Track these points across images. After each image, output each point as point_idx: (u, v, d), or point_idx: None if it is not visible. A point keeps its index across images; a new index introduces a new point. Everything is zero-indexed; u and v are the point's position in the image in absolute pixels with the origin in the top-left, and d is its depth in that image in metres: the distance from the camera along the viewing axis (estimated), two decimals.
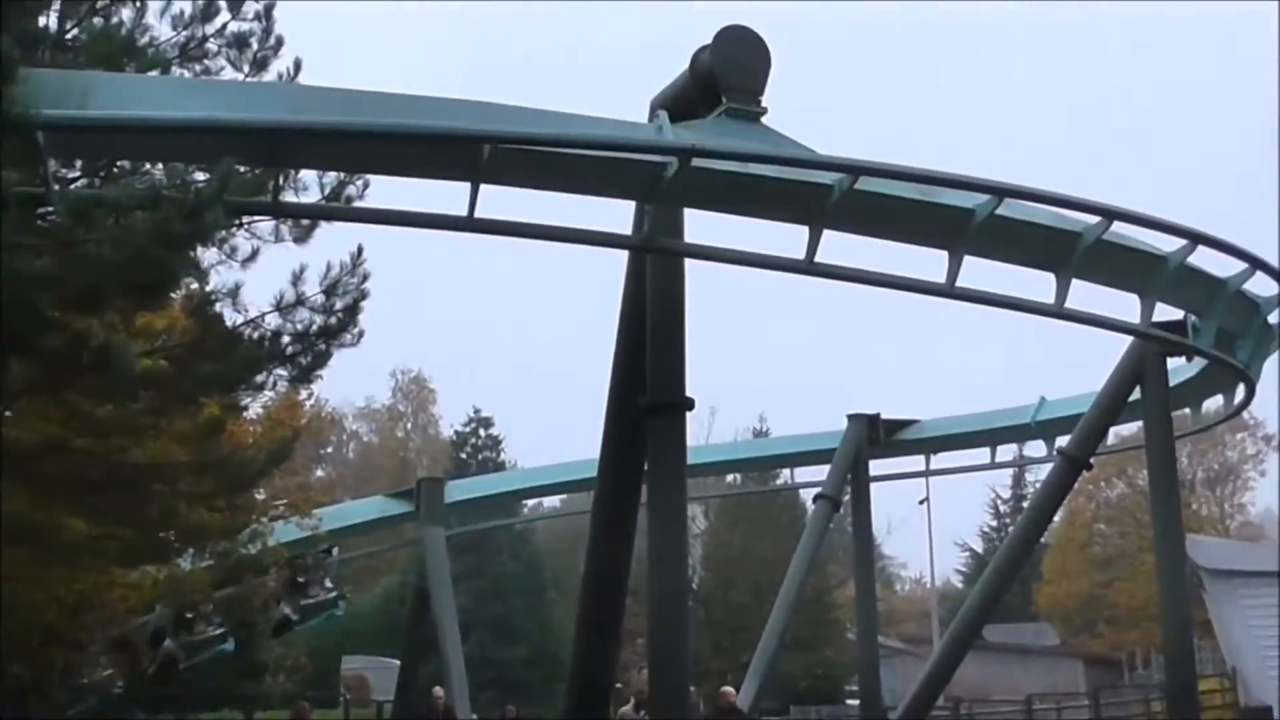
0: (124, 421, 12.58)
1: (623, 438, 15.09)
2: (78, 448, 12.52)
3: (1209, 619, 31.35)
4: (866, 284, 13.04)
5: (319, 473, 55.68)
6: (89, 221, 8.93)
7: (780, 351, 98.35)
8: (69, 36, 11.79)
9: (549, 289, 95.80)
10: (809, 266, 12.35)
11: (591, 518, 16.69)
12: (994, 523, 63.65)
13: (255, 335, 12.31)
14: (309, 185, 11.52)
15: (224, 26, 12.40)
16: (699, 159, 11.55)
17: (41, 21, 11.04)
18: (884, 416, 26.48)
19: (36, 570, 15.29)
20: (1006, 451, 28.48)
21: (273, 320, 12.25)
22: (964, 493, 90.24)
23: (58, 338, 9.85)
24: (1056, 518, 41.22)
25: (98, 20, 11.95)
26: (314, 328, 12.39)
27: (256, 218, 11.58)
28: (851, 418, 26.24)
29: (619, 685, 34.88)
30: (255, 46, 12.42)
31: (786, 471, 33.52)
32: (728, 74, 12.97)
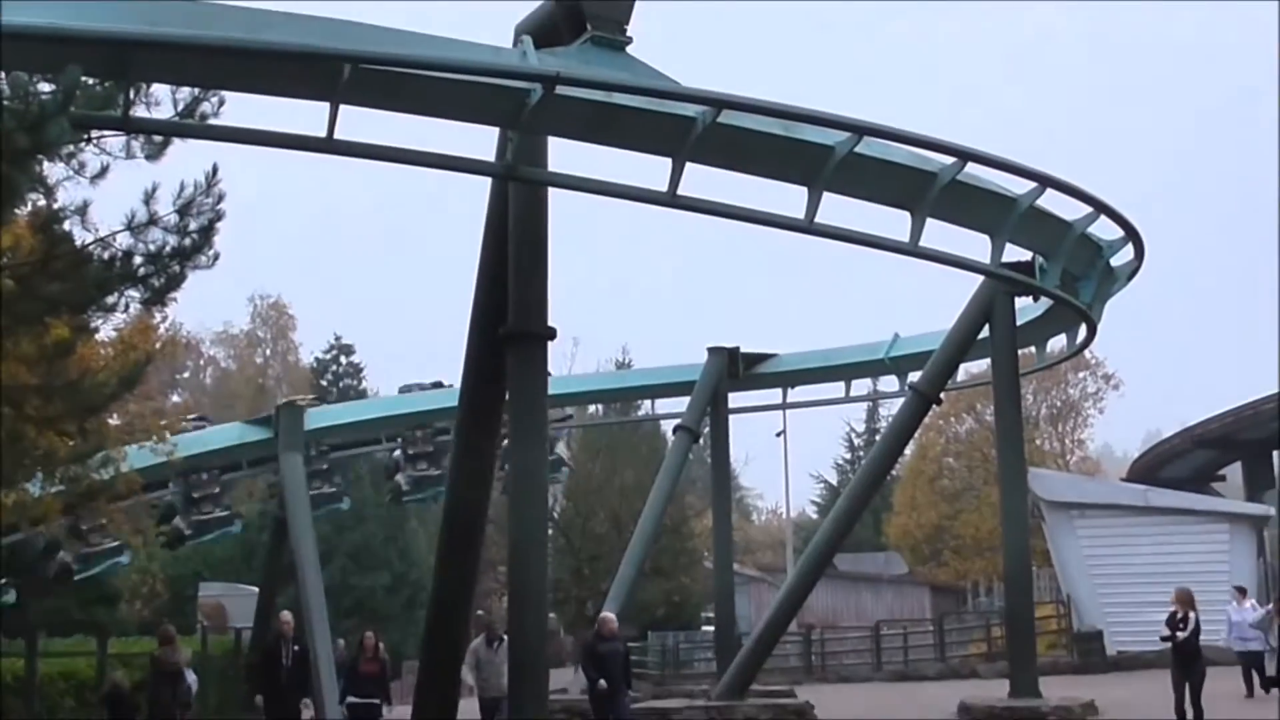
0: None
1: (483, 366, 15.09)
2: None
3: (1048, 549, 32.86)
4: (727, 218, 13.20)
5: (175, 398, 54.37)
6: None
7: (643, 284, 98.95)
8: None
9: (412, 214, 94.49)
10: (672, 199, 12.44)
11: (452, 446, 16.72)
12: (848, 455, 65.47)
13: (105, 255, 11.93)
14: (161, 100, 11.16)
15: None
16: (563, 87, 11.50)
17: None
18: (743, 350, 26.93)
19: None
20: (861, 386, 29.36)
21: (124, 240, 11.87)
22: (820, 426, 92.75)
23: None
24: (907, 451, 42.65)
25: None
26: (167, 248, 12.04)
27: (106, 132, 11.17)
28: (711, 350, 26.61)
29: (480, 612, 35.09)
30: None
31: (648, 403, 33.91)
32: (593, 1, 12.89)
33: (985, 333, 20.12)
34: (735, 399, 27.56)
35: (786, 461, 44.32)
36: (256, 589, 31.13)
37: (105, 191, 11.61)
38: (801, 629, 35.96)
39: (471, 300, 15.30)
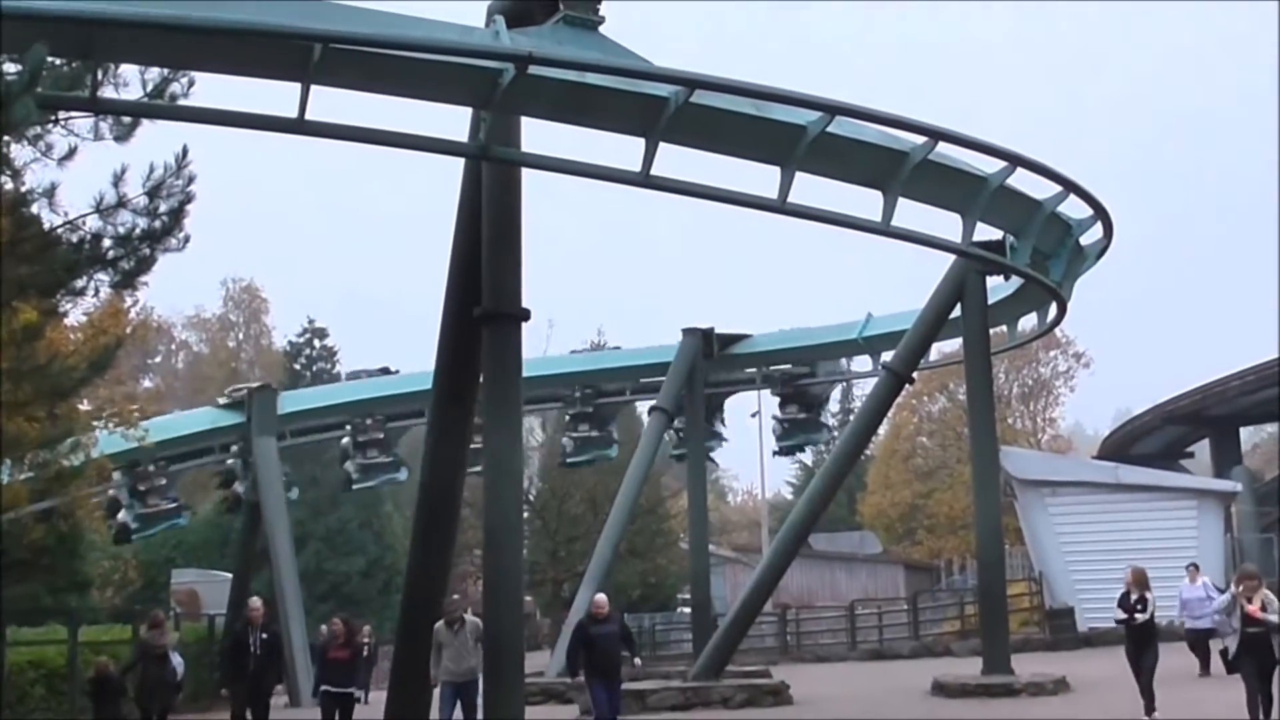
0: None
1: (458, 348, 15.04)
2: None
3: (1020, 527, 33.12)
4: (701, 198, 13.19)
5: (146, 383, 54.06)
6: None
7: (620, 265, 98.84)
8: None
9: (385, 196, 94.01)
10: (645, 179, 12.42)
11: (426, 428, 16.66)
12: None
13: (74, 238, 11.86)
14: (130, 81, 11.07)
15: None
16: (536, 66, 11.45)
17: None
18: (718, 331, 26.98)
19: None
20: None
21: (93, 222, 11.82)
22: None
23: None
24: (881, 430, 42.87)
25: None
26: (137, 231, 11.98)
27: (74, 113, 11.08)
28: (686, 331, 26.65)
29: (455, 595, 35.06)
30: None
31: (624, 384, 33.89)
32: None
33: (957, 312, 20.23)
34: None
35: (761, 442, 44.44)
36: (230, 575, 31.05)
37: (73, 173, 11.53)
38: (777, 609, 36.11)
39: (445, 282, 15.25)
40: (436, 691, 14.26)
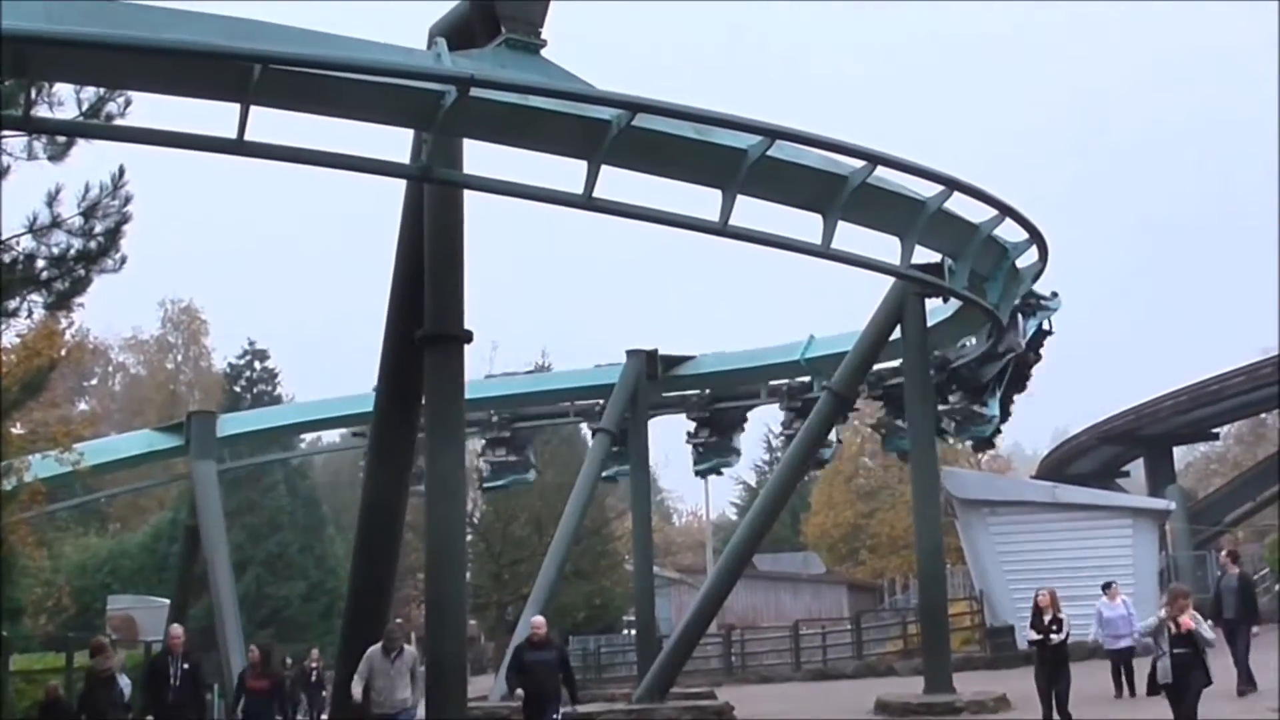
0: None
1: (400, 370, 14.97)
2: None
3: (961, 546, 33.43)
4: (643, 220, 13.23)
5: (82, 405, 53.17)
6: None
7: (564, 287, 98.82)
8: None
9: (325, 215, 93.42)
10: (587, 201, 12.44)
11: (368, 451, 16.55)
12: (766, 456, 65.84)
13: (6, 258, 11.68)
14: (65, 100, 10.95)
15: None
16: (478, 89, 11.46)
17: None
18: (661, 352, 27.02)
19: None
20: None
21: (26, 242, 11.66)
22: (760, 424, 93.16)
23: None
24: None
25: None
26: (72, 251, 11.83)
27: (6, 132, 10.94)
28: (630, 353, 26.68)
29: (399, 620, 34.71)
30: None
31: (568, 405, 33.82)
32: (507, 3, 12.86)
33: (897, 333, 20.45)
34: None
35: None
36: (168, 601, 30.56)
37: (5, 193, 11.37)
38: (721, 630, 36.16)
39: (387, 303, 15.18)
40: None
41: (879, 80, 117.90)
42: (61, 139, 11.27)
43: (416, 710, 13.45)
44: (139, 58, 10.30)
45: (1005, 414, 25.08)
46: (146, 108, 11.21)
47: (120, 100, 11.09)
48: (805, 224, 14.07)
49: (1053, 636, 15.17)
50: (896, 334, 20.66)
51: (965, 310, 19.78)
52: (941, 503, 25.50)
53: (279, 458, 43.45)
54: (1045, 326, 23.63)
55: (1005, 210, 15.50)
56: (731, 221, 13.13)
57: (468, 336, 13.94)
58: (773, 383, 28.25)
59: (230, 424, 30.12)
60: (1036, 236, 16.51)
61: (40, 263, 11.70)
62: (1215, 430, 49.51)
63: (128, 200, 11.79)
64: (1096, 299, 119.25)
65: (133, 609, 36.13)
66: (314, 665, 25.99)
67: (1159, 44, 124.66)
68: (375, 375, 15.80)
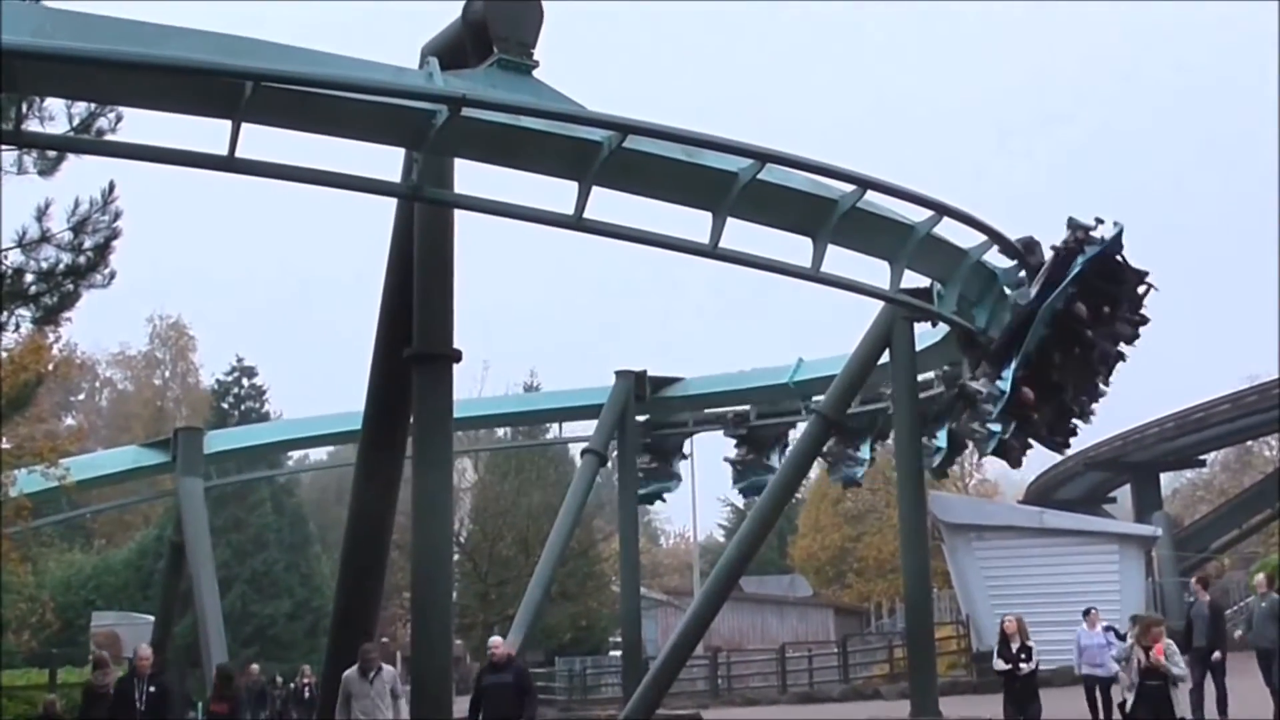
0: None
1: (388, 389, 14.94)
2: None
3: (948, 570, 33.46)
4: (634, 242, 13.24)
5: (69, 421, 52.98)
6: None
7: (554, 308, 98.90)
8: None
9: (316, 233, 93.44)
10: (578, 222, 12.44)
11: (355, 470, 16.49)
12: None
13: None
14: (56, 115, 10.96)
15: None
16: (469, 109, 11.47)
17: None
18: (650, 374, 27.04)
19: None
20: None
21: (15, 257, 11.65)
22: (726, 450, 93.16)
23: None
24: (811, 474, 43.09)
25: None
26: (61, 266, 11.83)
27: None
28: (619, 374, 26.69)
29: (385, 639, 34.55)
30: None
31: (556, 426, 33.83)
32: (499, 24, 12.88)
33: (886, 357, 20.46)
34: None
35: (694, 485, 44.50)
36: (152, 618, 30.41)
37: None
38: (708, 652, 36.08)
39: (376, 321, 15.16)
40: None
41: (872, 100, 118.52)
42: (52, 154, 11.28)
43: None
44: (130, 73, 10.29)
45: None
46: (137, 123, 11.23)
47: (111, 115, 11.09)
48: (796, 247, 14.11)
49: (1022, 666, 14.78)
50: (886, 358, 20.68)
51: (954, 335, 19.79)
52: (928, 527, 25.49)
53: (265, 475, 43.33)
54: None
55: (994, 236, 15.54)
56: (722, 244, 13.14)
57: (457, 356, 13.91)
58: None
59: (217, 441, 30.04)
60: (1025, 263, 16.55)
61: (29, 277, 11.71)
62: (1202, 457, 49.75)
63: (117, 216, 11.82)
64: None
65: (117, 625, 35.97)
66: (306, 681, 25.90)
67: (1150, 72, 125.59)
68: (363, 393, 15.76)
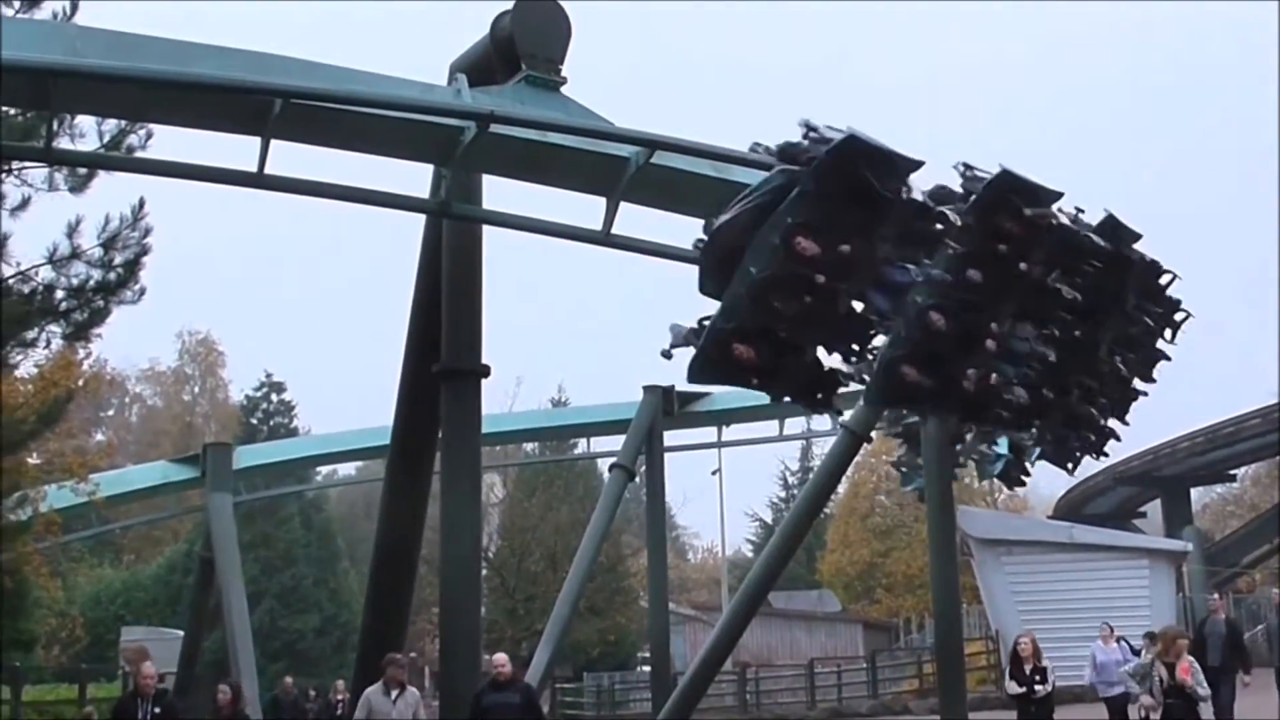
0: None
1: (417, 404, 14.96)
2: None
3: (977, 585, 33.20)
4: (662, 257, 13.15)
5: (99, 436, 53.36)
6: None
7: (583, 322, 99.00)
8: None
9: (345, 249, 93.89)
10: (606, 238, 12.41)
11: (384, 485, 16.51)
12: (783, 494, 65.65)
13: (26, 289, 11.75)
14: (87, 132, 11.03)
15: None
16: (497, 125, 11.49)
17: None
18: (678, 388, 26.96)
19: None
20: (795, 425, 29.49)
21: (46, 273, 11.74)
22: (755, 464, 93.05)
23: None
24: (840, 489, 42.94)
25: None
26: (91, 283, 11.91)
27: (27, 164, 11.01)
28: (647, 389, 26.62)
29: (413, 654, 34.54)
30: None
31: (584, 441, 33.80)
32: (527, 41, 12.90)
33: None
34: (671, 437, 27.57)
35: (722, 500, 44.43)
36: (181, 633, 30.51)
37: (26, 224, 11.43)
38: (736, 667, 35.91)
39: (405, 336, 15.19)
40: None
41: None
42: (82, 171, 11.35)
43: None
44: (160, 91, 10.36)
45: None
46: (167, 140, 11.29)
47: (141, 132, 11.16)
48: None
49: (1037, 689, 14.13)
50: None
51: None
52: (958, 542, 25.29)
53: (294, 490, 43.46)
54: None
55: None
56: None
57: (485, 371, 13.92)
58: None
59: (246, 456, 30.12)
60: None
61: (59, 293, 11.79)
62: (1232, 472, 49.32)
63: (147, 232, 11.89)
64: None
65: (146, 640, 36.13)
66: (340, 699, 25.93)
67: (1190, 93, 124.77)
68: (392, 408, 15.79)
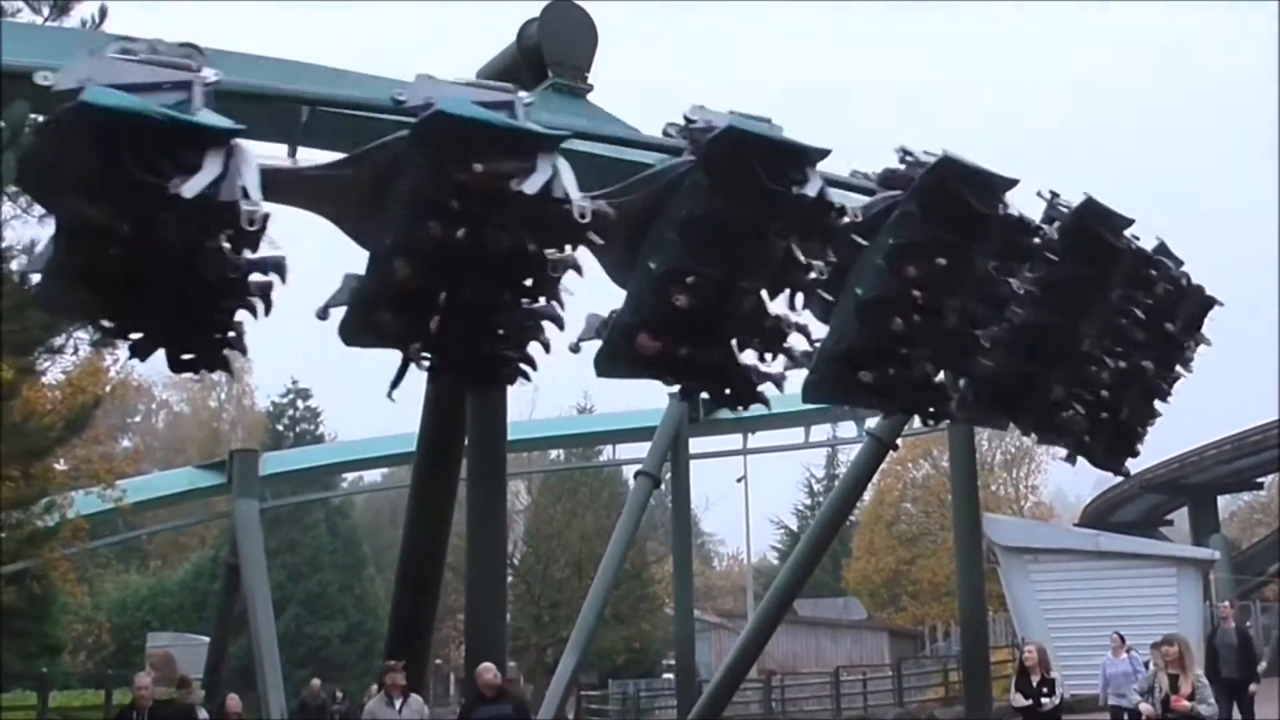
0: None
1: (442, 409, 14.95)
2: None
3: (1003, 593, 33.01)
4: None
5: (125, 443, 53.64)
6: None
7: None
8: None
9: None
10: None
11: (410, 491, 16.52)
12: (808, 501, 65.43)
13: None
14: None
15: None
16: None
17: None
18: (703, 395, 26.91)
19: None
20: (820, 432, 29.44)
21: None
22: (780, 472, 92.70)
23: None
24: (865, 496, 42.80)
25: None
26: None
27: None
28: (672, 396, 26.55)
29: (438, 661, 34.58)
30: None
31: (609, 448, 33.82)
32: (554, 48, 12.89)
33: None
34: (696, 444, 27.56)
35: (747, 507, 44.39)
36: (207, 639, 30.65)
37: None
38: (761, 675, 35.82)
39: None
40: None
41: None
42: None
43: None
44: None
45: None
46: None
47: None
48: None
49: (1044, 701, 13.58)
50: None
51: None
52: (983, 550, 25.15)
53: (321, 497, 43.63)
54: None
55: None
56: None
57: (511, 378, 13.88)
58: None
59: (272, 462, 30.26)
60: None
61: None
62: (1259, 480, 48.90)
63: None
64: None
65: (172, 646, 36.30)
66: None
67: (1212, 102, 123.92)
68: (418, 415, 15.79)
